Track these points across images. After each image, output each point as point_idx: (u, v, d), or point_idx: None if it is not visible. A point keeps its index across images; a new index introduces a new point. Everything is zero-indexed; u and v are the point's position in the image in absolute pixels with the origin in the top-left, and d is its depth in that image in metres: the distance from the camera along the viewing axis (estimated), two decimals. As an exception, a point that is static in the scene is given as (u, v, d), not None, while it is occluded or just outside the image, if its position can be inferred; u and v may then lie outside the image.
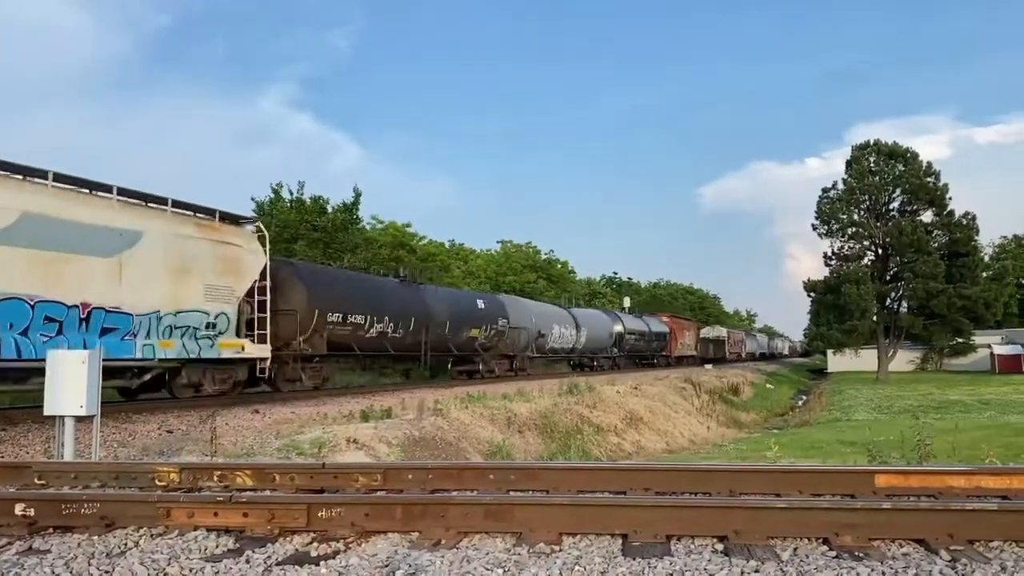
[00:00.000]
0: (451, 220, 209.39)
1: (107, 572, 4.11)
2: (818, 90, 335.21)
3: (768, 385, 52.73)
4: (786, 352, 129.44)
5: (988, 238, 73.88)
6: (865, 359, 55.60)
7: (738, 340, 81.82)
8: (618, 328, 43.74)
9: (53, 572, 4.12)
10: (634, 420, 22.29)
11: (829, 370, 70.24)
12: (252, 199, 38.29)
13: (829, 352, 67.96)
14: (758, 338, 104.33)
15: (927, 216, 51.54)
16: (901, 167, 51.32)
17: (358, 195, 39.07)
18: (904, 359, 58.47)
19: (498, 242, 61.97)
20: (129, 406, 14.16)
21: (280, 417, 14.22)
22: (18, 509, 5.03)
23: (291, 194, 37.64)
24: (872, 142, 53.18)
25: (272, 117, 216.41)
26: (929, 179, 50.92)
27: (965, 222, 50.84)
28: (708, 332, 72.34)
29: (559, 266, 65.11)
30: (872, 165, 52.06)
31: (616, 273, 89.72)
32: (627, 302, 56.56)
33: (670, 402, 28.54)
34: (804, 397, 47.83)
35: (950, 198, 50.92)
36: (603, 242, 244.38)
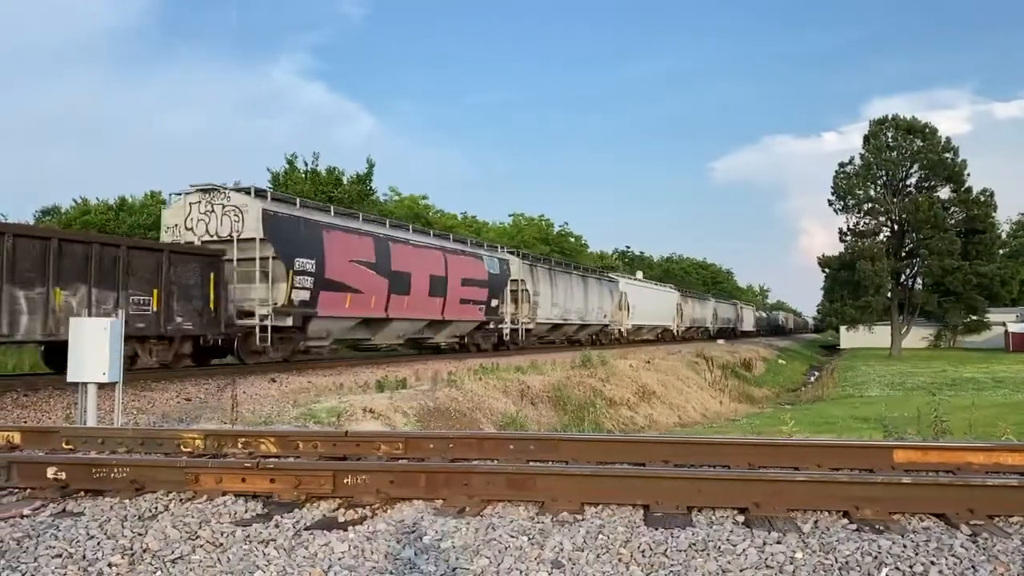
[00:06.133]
0: (463, 192, 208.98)
1: (140, 535, 4.20)
2: (835, 63, 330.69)
3: (780, 361, 52.71)
4: (751, 328, 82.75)
5: (1006, 215, 73.01)
6: (878, 335, 55.42)
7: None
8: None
9: (88, 534, 4.21)
10: (647, 394, 22.37)
11: (842, 346, 69.99)
12: (268, 169, 38.35)
13: (842, 328, 67.63)
14: (671, 298, 51.23)
15: (944, 192, 51.11)
16: (919, 142, 50.79)
17: (371, 166, 39.05)
18: (917, 336, 58.21)
19: (510, 215, 61.85)
20: (148, 374, 14.33)
21: (296, 386, 14.38)
22: (50, 472, 5.15)
23: (306, 165, 37.64)
24: (890, 117, 52.62)
25: (285, 86, 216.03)
26: (947, 155, 50.44)
27: (983, 199, 50.33)
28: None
29: (572, 239, 64.95)
30: (890, 140, 51.56)
31: (629, 247, 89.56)
32: (639, 275, 56.11)
33: (682, 376, 28.61)
34: (816, 373, 47.76)
35: (968, 174, 50.55)
36: (616, 216, 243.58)
